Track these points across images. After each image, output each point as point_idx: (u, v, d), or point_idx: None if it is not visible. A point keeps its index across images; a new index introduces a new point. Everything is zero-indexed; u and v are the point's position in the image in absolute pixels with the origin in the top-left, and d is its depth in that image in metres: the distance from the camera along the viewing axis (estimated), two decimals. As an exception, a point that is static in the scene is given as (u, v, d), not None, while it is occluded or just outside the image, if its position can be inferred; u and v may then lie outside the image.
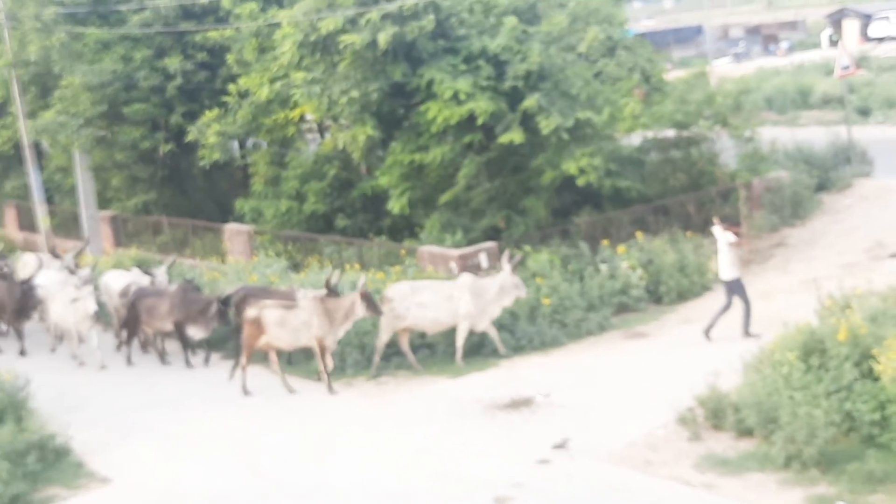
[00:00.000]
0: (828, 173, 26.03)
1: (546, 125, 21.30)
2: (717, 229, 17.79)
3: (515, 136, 21.57)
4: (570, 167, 21.63)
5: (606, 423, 14.11)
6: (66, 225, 32.57)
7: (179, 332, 19.18)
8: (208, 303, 18.82)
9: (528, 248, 21.11)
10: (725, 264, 17.44)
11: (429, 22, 21.77)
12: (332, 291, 17.16)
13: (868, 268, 19.36)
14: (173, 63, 28.45)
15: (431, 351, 18.51)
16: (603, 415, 14.44)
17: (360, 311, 16.85)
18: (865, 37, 68.13)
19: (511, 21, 22.48)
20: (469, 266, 20.07)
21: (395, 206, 23.53)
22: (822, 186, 25.47)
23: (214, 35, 28.04)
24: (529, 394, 15.58)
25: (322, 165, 26.62)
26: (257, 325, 17.01)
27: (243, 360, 17.41)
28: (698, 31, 78.78)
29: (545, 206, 23.15)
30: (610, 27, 26.09)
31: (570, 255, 20.78)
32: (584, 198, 23.84)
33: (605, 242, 21.28)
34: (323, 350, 16.95)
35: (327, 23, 21.93)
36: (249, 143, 30.20)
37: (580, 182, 21.73)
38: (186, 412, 16.72)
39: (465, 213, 23.28)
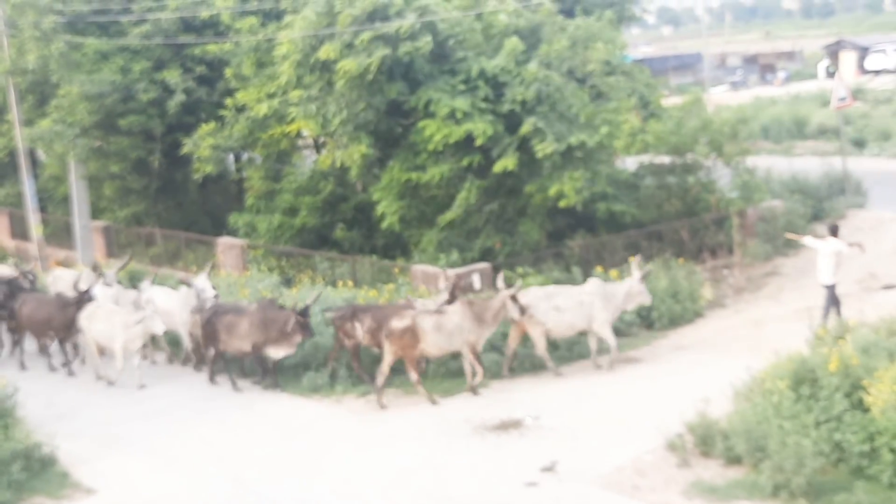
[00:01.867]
0: (822, 203, 26.08)
1: (541, 149, 21.37)
2: (810, 239, 18.64)
3: (509, 162, 21.64)
4: (553, 190, 21.71)
5: (595, 446, 14.07)
6: (59, 234, 32.52)
7: (256, 354, 18.26)
8: (287, 319, 17.83)
9: (520, 269, 21.13)
10: (827, 269, 17.91)
11: (426, 44, 21.82)
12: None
13: (860, 299, 19.38)
14: (172, 76, 28.47)
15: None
16: (592, 438, 14.40)
17: (511, 311, 16.97)
18: (862, 69, 68.58)
19: (511, 42, 22.54)
20: (462, 286, 20.03)
21: (387, 222, 23.56)
22: (816, 216, 25.50)
23: (213, 49, 28.10)
24: (519, 415, 15.53)
25: (318, 181, 26.64)
26: (412, 333, 16.61)
27: (383, 375, 16.85)
28: (696, 58, 79.16)
29: (540, 228, 23.17)
30: (608, 50, 26.15)
31: (562, 279, 20.76)
32: (579, 221, 23.88)
33: (598, 268, 21.27)
34: (473, 354, 16.91)
35: (326, 49, 22.00)
36: (244, 156, 30.22)
37: (562, 205, 21.81)
38: (175, 424, 16.67)
39: (460, 234, 23.27)
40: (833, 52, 73.63)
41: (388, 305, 18.49)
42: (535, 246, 23.02)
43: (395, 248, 24.92)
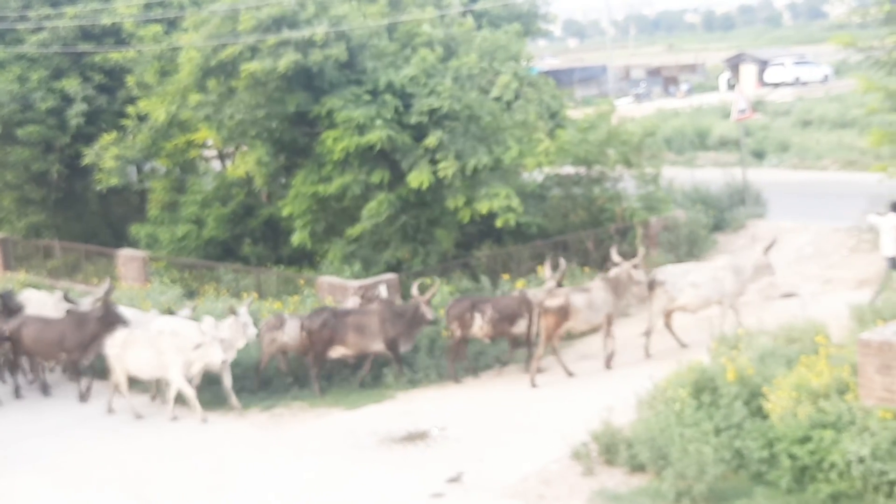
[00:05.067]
0: (723, 214, 26.51)
1: (444, 168, 21.46)
2: (873, 217, 19.62)
3: (424, 178, 21.61)
4: (483, 207, 21.73)
5: (501, 457, 14.08)
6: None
7: (395, 349, 17.91)
8: (415, 309, 17.81)
9: (428, 280, 21.10)
10: (889, 243, 19.06)
11: (340, 52, 21.69)
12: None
13: (760, 307, 19.73)
14: (71, 84, 27.93)
15: (328, 381, 18.32)
16: (498, 449, 14.41)
17: (638, 280, 17.96)
18: (762, 82, 70.22)
19: (422, 53, 22.53)
20: (369, 298, 19.92)
21: (298, 238, 23.30)
22: (717, 226, 25.92)
23: (115, 56, 27.61)
24: (425, 427, 15.47)
25: (224, 191, 26.32)
26: (564, 312, 17.41)
27: (540, 352, 17.63)
28: (601, 70, 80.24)
29: (451, 238, 23.19)
30: (515, 64, 26.33)
31: (470, 289, 20.79)
32: (486, 231, 23.92)
33: (505, 276, 21.35)
34: (609, 327, 17.78)
35: (229, 51, 21.77)
36: (147, 167, 29.74)
37: (499, 223, 21.92)
38: (74, 441, 16.28)
39: (367, 245, 23.15)
40: (734, 64, 75.32)
41: (505, 296, 19.04)
42: (444, 256, 23.02)
43: (302, 259, 24.72)
